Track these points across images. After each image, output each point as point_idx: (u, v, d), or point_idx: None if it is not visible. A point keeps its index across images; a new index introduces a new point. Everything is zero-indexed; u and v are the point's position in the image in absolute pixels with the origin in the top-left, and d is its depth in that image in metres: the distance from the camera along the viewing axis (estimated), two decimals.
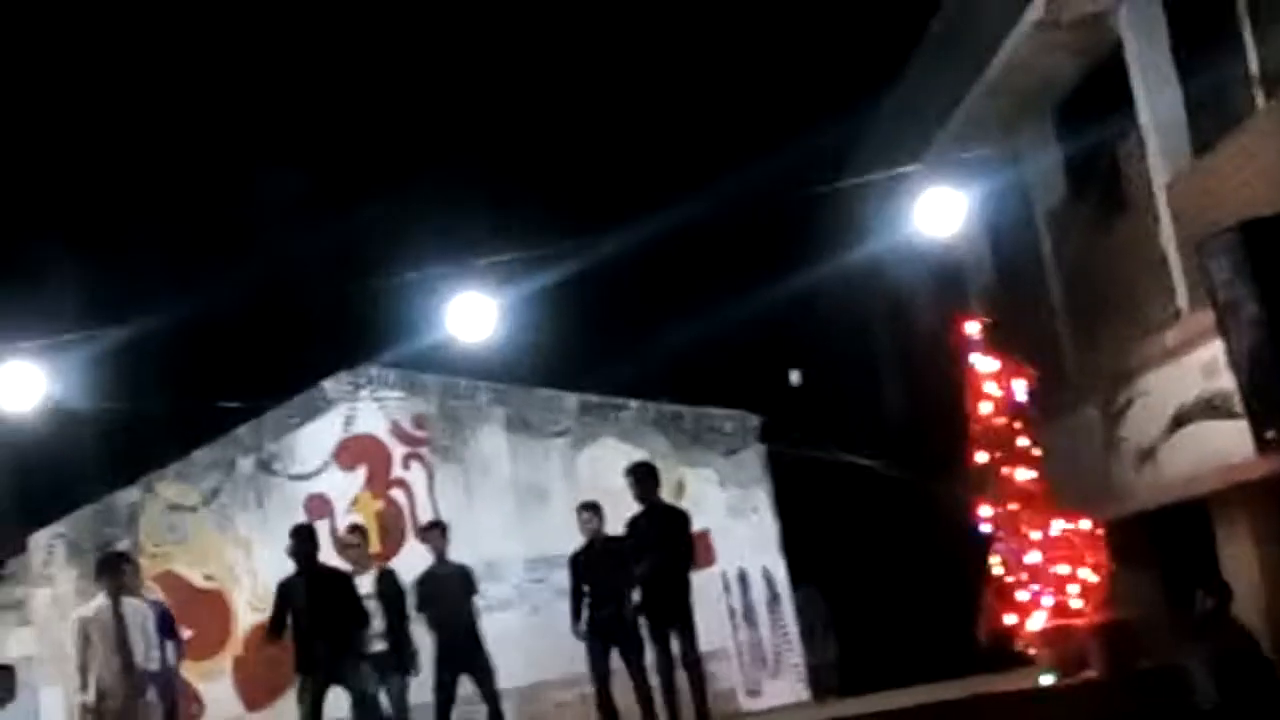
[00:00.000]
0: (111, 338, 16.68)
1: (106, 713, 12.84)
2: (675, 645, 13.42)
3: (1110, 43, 14.16)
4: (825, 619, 17.05)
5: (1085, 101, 15.40)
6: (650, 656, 13.65)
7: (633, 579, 13.58)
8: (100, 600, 13.18)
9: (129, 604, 13.23)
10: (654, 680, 13.65)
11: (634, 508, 14.01)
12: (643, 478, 13.91)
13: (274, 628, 13.78)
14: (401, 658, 14.40)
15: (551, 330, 18.21)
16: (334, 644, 13.50)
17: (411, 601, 14.56)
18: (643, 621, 13.69)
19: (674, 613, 13.39)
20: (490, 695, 14.73)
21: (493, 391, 17.02)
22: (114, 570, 13.32)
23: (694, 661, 13.43)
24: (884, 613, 17.26)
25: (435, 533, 15.27)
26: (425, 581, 14.77)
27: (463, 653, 14.65)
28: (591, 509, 14.48)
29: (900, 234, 16.24)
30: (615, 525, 14.32)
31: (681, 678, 13.45)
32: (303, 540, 13.83)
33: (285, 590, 13.70)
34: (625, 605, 13.92)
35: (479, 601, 14.79)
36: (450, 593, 14.74)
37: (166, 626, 14.24)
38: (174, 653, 14.31)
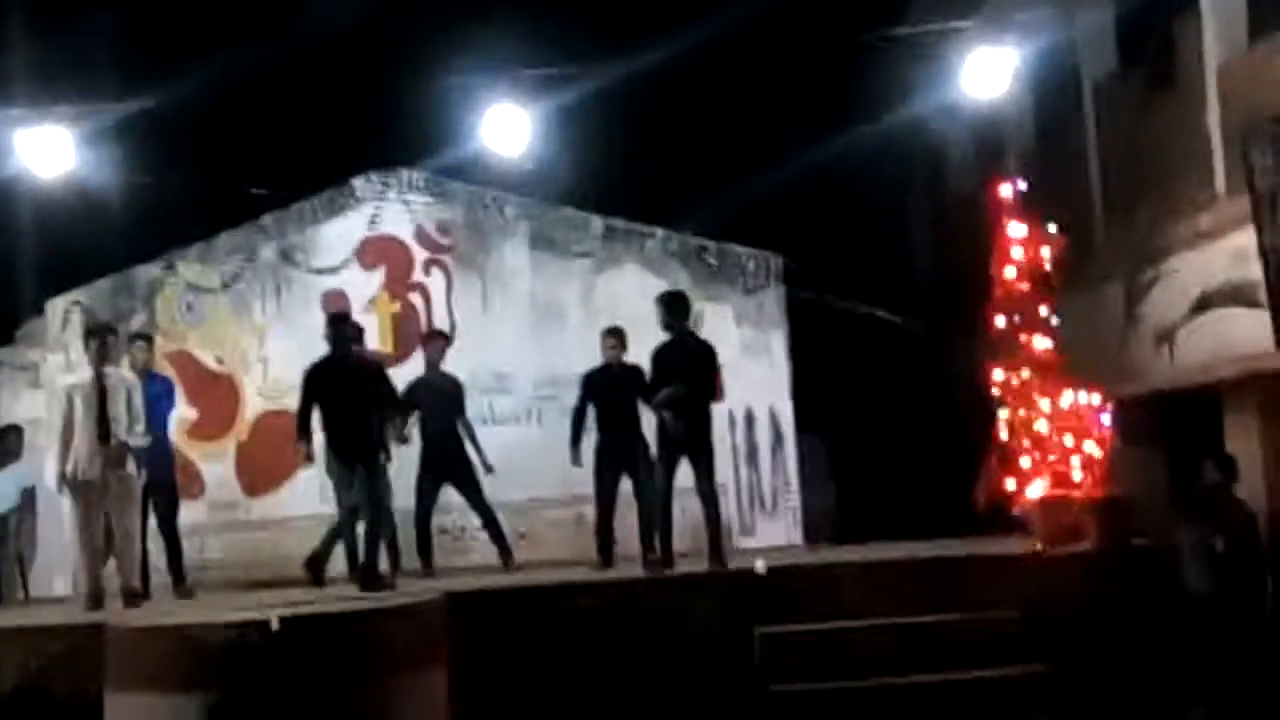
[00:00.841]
0: (144, 111, 16.65)
1: (81, 482, 12.95)
2: (689, 476, 13.40)
3: None
4: (826, 466, 17.09)
5: None
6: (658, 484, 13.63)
7: (653, 404, 13.59)
8: (86, 369, 13.26)
9: (115, 375, 13.26)
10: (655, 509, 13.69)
11: (646, 338, 13.96)
12: (673, 306, 13.79)
13: (302, 423, 13.46)
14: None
15: (583, 151, 18.14)
16: (366, 434, 13.53)
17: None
18: (654, 449, 13.70)
19: (693, 444, 13.36)
20: (479, 504, 15.00)
21: (520, 206, 16.94)
22: (100, 339, 13.32)
23: (710, 493, 13.43)
24: (885, 467, 17.32)
25: (437, 342, 15.44)
26: (417, 387, 14.97)
27: (446, 462, 14.92)
28: (616, 334, 14.44)
29: (945, 91, 16.12)
30: (629, 352, 14.41)
31: (694, 508, 13.48)
32: (339, 326, 13.76)
33: (315, 376, 13.54)
34: (638, 431, 14.02)
35: (481, 410, 14.99)
36: (440, 401, 14.95)
37: (164, 402, 14.35)
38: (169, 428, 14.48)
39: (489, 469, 15.07)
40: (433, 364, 15.23)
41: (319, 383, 13.49)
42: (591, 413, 14.34)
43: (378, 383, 13.82)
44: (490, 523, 15.04)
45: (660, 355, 13.61)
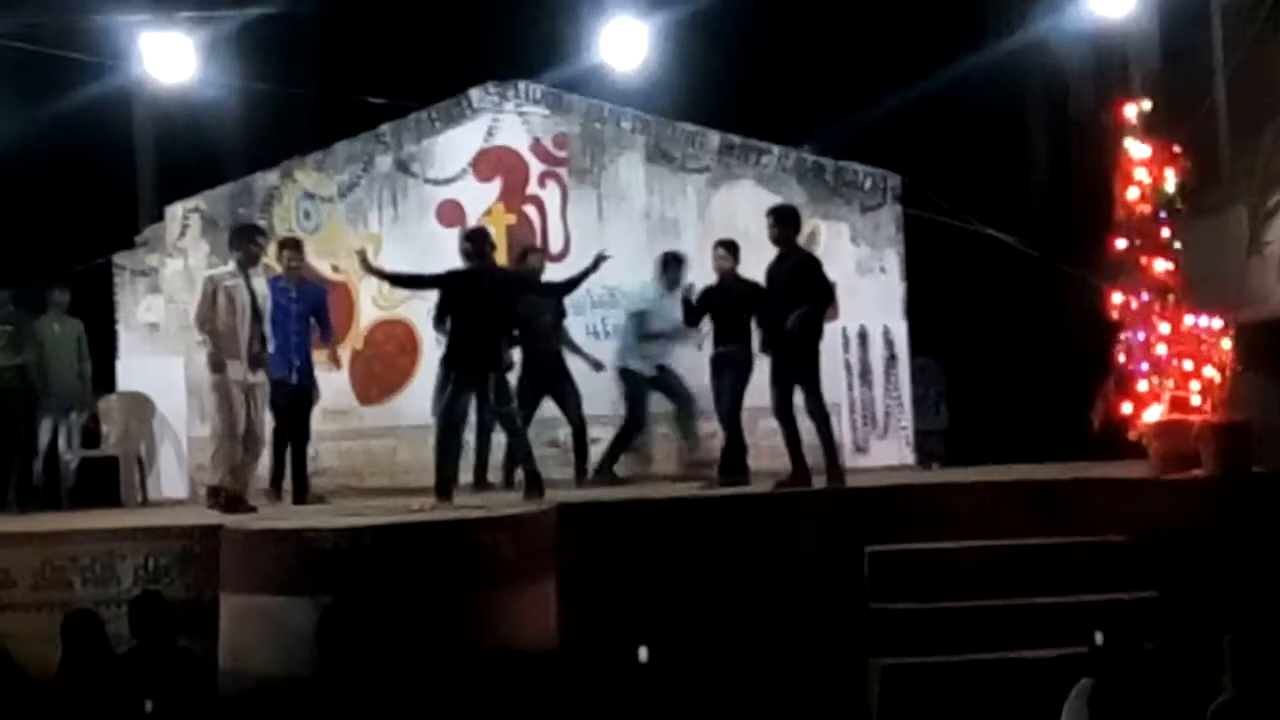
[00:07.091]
0: (264, 18, 16.70)
1: (234, 381, 13.13)
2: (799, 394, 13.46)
3: None
4: (940, 388, 17.02)
5: None
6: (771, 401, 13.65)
7: (765, 321, 13.65)
8: (230, 268, 13.45)
9: (257, 280, 13.47)
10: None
11: (761, 254, 13.98)
12: (784, 220, 13.78)
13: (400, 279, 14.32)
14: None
15: (701, 65, 18.00)
16: (498, 347, 13.57)
17: None
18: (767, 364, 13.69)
19: (803, 361, 13.37)
20: (575, 419, 15.18)
21: (637, 120, 16.85)
22: (247, 241, 13.55)
23: (820, 412, 13.47)
24: (1000, 389, 17.20)
25: (536, 255, 15.50)
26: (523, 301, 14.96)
27: (547, 374, 15.05)
28: (727, 246, 14.47)
29: (1069, 9, 15.89)
30: (743, 268, 14.39)
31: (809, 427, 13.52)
32: (479, 242, 13.78)
33: (453, 279, 13.69)
34: (749, 347, 14.02)
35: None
36: (542, 316, 15.02)
37: (308, 310, 14.54)
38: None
39: (599, 366, 15.50)
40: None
41: (454, 287, 13.58)
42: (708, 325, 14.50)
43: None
44: (580, 433, 15.15)
45: (772, 272, 13.64)
